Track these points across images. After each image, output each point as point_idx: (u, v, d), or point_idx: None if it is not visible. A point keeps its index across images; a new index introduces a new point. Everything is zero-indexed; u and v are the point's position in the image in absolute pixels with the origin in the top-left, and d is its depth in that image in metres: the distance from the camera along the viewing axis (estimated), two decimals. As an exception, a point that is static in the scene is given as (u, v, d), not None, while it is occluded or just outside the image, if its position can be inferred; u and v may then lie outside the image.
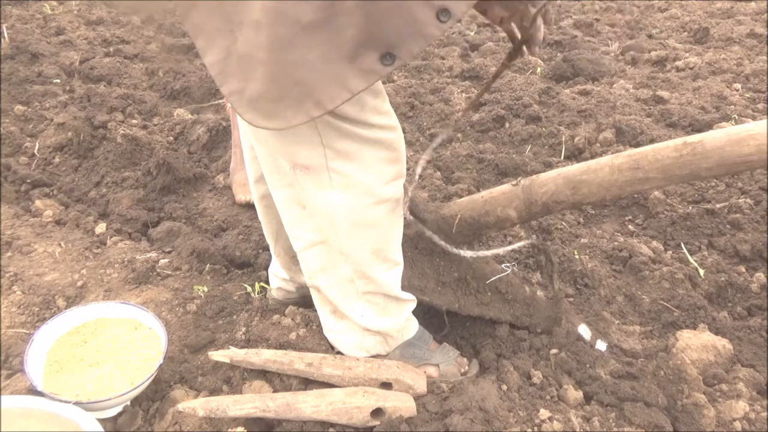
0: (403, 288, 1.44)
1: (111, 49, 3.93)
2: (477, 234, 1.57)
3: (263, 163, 1.29)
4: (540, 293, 1.66)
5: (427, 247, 1.55)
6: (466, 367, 1.53)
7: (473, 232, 1.55)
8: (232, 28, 1.01)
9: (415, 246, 1.56)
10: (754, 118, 2.83)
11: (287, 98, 1.02)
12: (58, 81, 3.35)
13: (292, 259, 1.61)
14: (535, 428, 1.32)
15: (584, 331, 1.67)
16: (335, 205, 1.24)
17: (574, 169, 1.46)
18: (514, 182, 1.52)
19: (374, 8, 0.96)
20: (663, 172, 1.33)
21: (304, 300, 1.70)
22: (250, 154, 1.48)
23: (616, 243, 2.10)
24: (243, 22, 0.99)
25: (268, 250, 1.70)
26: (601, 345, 1.64)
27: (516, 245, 1.49)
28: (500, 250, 1.46)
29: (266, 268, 1.76)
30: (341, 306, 1.38)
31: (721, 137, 1.29)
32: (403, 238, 1.42)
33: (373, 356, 1.47)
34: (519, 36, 1.26)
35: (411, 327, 1.50)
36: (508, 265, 1.70)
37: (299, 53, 0.98)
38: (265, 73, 1.01)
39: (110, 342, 1.43)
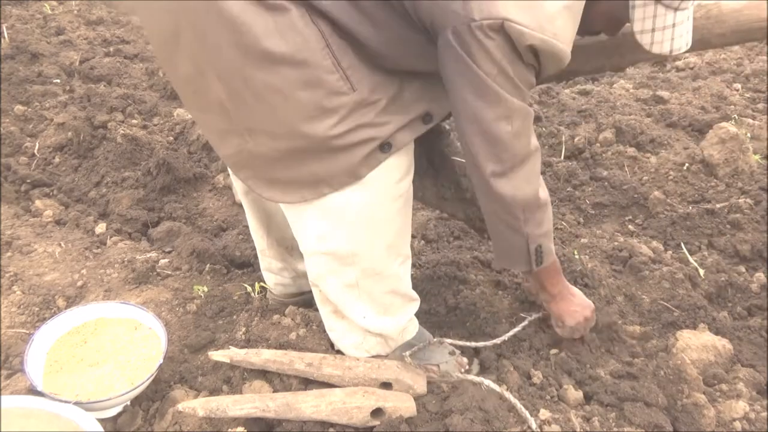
0: None
1: (111, 49, 3.93)
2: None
3: None
4: None
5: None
6: (467, 367, 1.53)
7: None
8: (241, 132, 1.14)
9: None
10: (754, 119, 2.83)
11: (304, 183, 1.19)
12: (58, 81, 3.35)
13: (286, 250, 1.62)
14: (536, 428, 1.32)
15: None
16: (352, 203, 1.24)
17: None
18: None
19: None
20: None
21: (302, 293, 1.71)
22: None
23: (616, 243, 2.10)
24: (254, 129, 1.13)
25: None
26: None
27: (521, 325, 1.57)
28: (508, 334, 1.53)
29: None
30: (342, 306, 1.38)
31: (735, 2, 1.23)
32: None
33: (373, 356, 1.47)
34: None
35: (411, 328, 1.50)
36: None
37: (316, 157, 1.14)
38: (282, 167, 1.16)
39: (110, 342, 1.43)
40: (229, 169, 1.59)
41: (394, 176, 1.25)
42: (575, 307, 1.50)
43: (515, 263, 1.37)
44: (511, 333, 1.54)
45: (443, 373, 1.48)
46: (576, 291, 1.53)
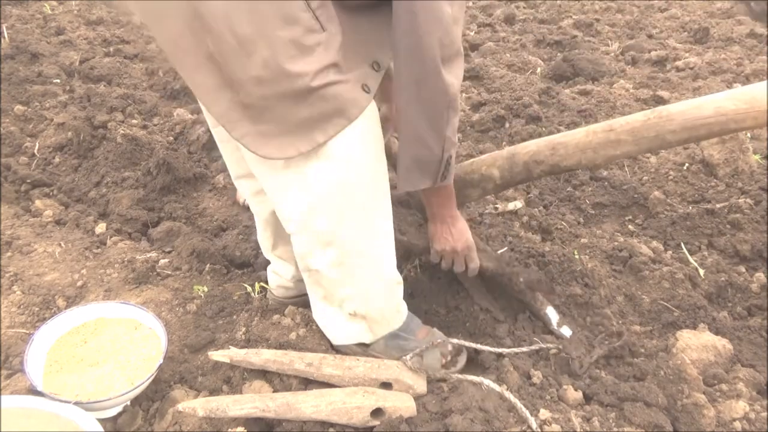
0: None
1: (111, 49, 3.93)
2: (461, 194, 1.60)
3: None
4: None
5: (405, 200, 1.70)
6: (449, 357, 1.53)
7: (457, 190, 1.55)
8: (231, 84, 1.15)
9: (398, 200, 1.64)
10: (754, 118, 2.83)
11: (297, 133, 1.19)
12: (58, 81, 3.35)
13: (292, 251, 1.62)
14: (536, 428, 1.32)
15: (552, 313, 1.67)
16: (332, 183, 1.27)
17: (556, 135, 1.58)
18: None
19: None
20: (632, 135, 1.43)
21: (302, 295, 1.71)
22: (234, 156, 1.52)
23: (616, 243, 2.10)
24: (242, 79, 1.13)
25: (268, 250, 1.70)
26: (566, 330, 1.65)
27: (532, 347, 1.57)
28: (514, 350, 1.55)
29: (266, 268, 1.76)
30: (329, 288, 1.41)
31: (684, 103, 1.41)
32: (395, 200, 1.50)
33: (357, 345, 1.49)
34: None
35: (398, 318, 1.51)
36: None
37: (302, 99, 1.15)
38: (273, 116, 1.17)
39: (110, 342, 1.43)
40: (230, 172, 1.59)
41: (374, 135, 1.29)
42: (448, 235, 1.53)
43: (423, 177, 1.34)
44: (518, 350, 1.55)
45: (425, 364, 1.48)
46: (461, 225, 1.53)
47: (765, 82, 1.33)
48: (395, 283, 1.47)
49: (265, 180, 1.33)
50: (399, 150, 1.36)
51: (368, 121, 1.26)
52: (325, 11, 1.14)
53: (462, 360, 1.56)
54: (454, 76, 1.23)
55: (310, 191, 1.28)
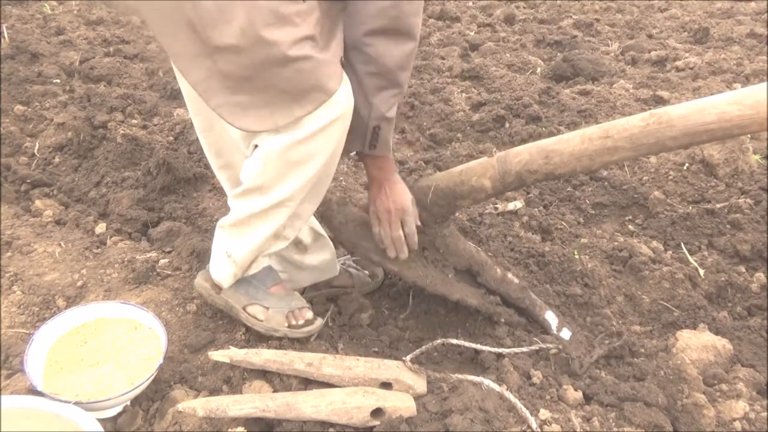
0: (376, 257, 1.55)
1: (111, 49, 3.93)
2: (452, 205, 1.58)
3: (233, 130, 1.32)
4: (510, 275, 1.67)
5: None
6: (300, 321, 1.52)
7: (448, 202, 1.55)
8: (210, 52, 1.15)
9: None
10: (754, 118, 2.83)
11: (275, 105, 1.20)
12: (58, 81, 3.35)
13: (293, 244, 1.64)
14: (536, 428, 1.31)
15: (551, 318, 1.67)
16: (302, 153, 1.29)
17: (548, 140, 1.48)
18: (489, 155, 1.54)
19: None
20: (630, 141, 1.36)
21: (301, 292, 1.71)
22: (215, 146, 1.53)
23: (616, 243, 2.11)
24: (219, 47, 1.14)
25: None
26: (565, 333, 1.65)
27: (532, 347, 1.57)
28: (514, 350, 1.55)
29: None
30: (238, 228, 1.44)
31: (684, 107, 1.34)
32: None
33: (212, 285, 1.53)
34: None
35: (257, 263, 1.52)
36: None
37: (279, 69, 1.15)
38: (252, 87, 1.17)
39: (110, 342, 1.43)
40: (211, 163, 1.60)
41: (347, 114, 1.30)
42: (384, 196, 1.52)
43: (353, 140, 1.40)
44: (518, 350, 1.55)
45: (268, 317, 1.49)
46: (400, 188, 1.53)
47: (766, 83, 1.30)
48: (275, 237, 1.47)
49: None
50: None
51: (346, 99, 1.27)
52: None
53: (315, 324, 1.54)
54: (418, 25, 1.30)
55: (279, 158, 1.29)
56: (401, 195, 1.52)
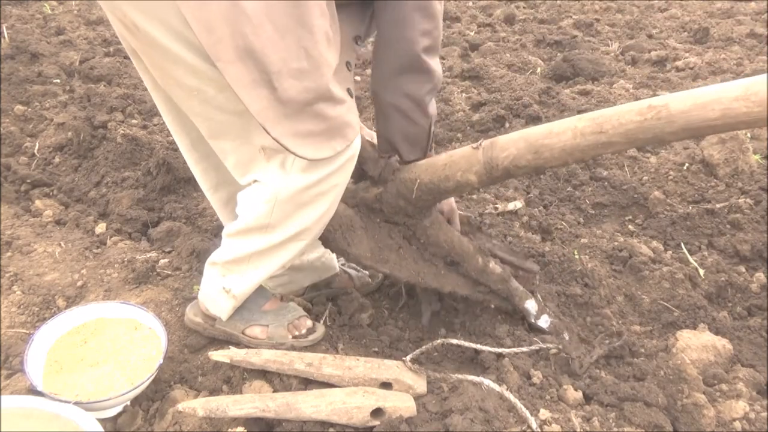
0: (367, 261, 1.55)
1: (111, 49, 3.93)
2: (437, 199, 1.58)
3: (230, 155, 1.30)
4: (492, 264, 1.67)
5: (390, 219, 1.60)
6: (303, 331, 1.52)
7: (433, 197, 1.53)
8: (269, 80, 1.11)
9: (377, 217, 1.59)
10: (754, 118, 2.83)
11: (333, 130, 1.22)
12: (58, 81, 3.35)
13: None
14: (536, 428, 1.31)
15: (531, 306, 1.68)
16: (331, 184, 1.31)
17: (537, 131, 1.39)
18: (474, 145, 1.46)
19: None
20: (626, 137, 1.28)
21: (301, 294, 1.71)
22: (199, 166, 1.52)
23: (616, 243, 2.10)
24: (281, 71, 1.11)
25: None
26: (544, 321, 1.66)
27: (532, 347, 1.57)
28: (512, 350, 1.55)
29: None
30: (238, 261, 1.41)
31: (686, 100, 1.24)
32: (364, 207, 1.56)
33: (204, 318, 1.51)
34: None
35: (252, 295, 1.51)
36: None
37: (332, 97, 1.18)
38: (313, 113, 1.17)
39: (110, 342, 1.43)
40: (201, 185, 1.58)
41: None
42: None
43: (413, 150, 1.48)
44: (518, 350, 1.54)
45: (271, 335, 1.49)
46: None
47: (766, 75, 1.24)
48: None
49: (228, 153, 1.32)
50: (383, 131, 1.46)
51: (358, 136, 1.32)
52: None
53: (319, 331, 1.54)
54: (438, 61, 1.40)
55: (290, 201, 1.28)
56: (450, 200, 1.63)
